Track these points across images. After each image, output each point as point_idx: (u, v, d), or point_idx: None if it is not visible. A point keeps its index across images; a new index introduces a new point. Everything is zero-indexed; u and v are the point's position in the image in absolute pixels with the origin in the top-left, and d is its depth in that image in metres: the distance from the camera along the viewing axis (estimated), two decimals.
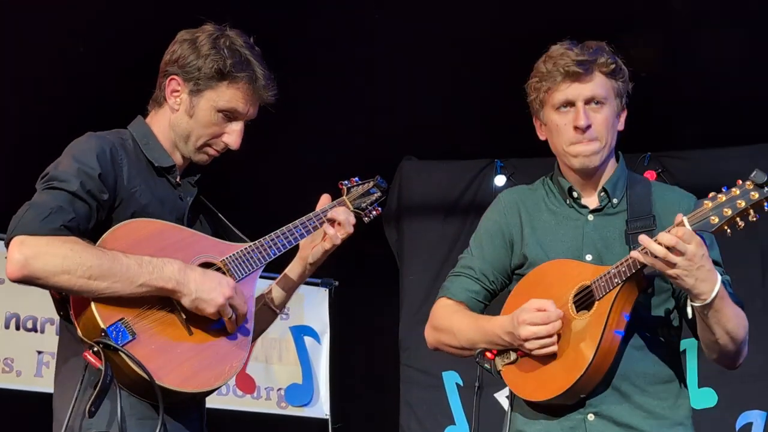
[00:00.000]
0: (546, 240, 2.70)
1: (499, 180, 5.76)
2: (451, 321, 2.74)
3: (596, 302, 2.53)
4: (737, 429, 5.18)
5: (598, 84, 2.65)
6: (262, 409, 5.80)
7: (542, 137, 2.78)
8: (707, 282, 2.41)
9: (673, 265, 2.38)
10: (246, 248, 2.65)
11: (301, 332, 5.99)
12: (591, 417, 2.57)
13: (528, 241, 2.71)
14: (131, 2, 4.64)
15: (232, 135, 2.66)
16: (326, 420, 5.87)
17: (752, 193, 2.35)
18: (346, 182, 2.94)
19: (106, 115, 3.04)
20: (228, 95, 2.63)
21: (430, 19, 4.87)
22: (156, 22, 4.54)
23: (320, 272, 5.93)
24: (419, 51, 5.04)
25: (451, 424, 5.60)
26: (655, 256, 2.38)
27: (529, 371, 2.60)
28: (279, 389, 5.88)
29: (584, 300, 2.56)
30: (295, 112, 5.28)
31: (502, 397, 5.59)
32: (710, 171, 4.95)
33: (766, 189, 2.35)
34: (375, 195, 2.95)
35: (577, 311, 2.56)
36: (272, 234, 2.71)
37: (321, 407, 5.91)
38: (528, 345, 2.55)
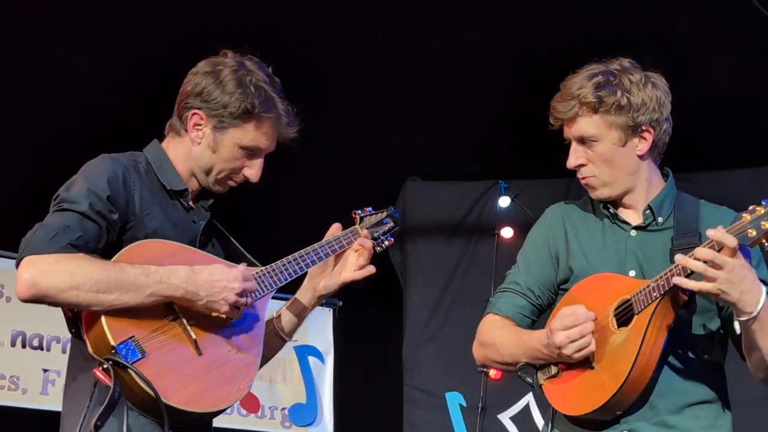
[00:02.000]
0: (591, 253, 2.70)
1: (504, 201, 5.77)
2: (494, 336, 2.73)
3: (635, 316, 2.52)
4: None
5: (584, 124, 2.64)
6: (266, 429, 5.79)
7: None
8: (752, 294, 2.37)
9: (714, 280, 2.36)
10: (258, 272, 2.67)
11: (305, 352, 6.00)
12: None
13: (574, 255, 2.71)
14: (138, 21, 4.68)
15: (253, 169, 2.71)
16: None
17: None
18: (360, 211, 2.99)
19: (116, 137, 3.07)
20: (253, 134, 2.67)
21: (436, 41, 4.90)
22: (167, 41, 4.59)
23: None
24: (424, 72, 5.07)
25: None
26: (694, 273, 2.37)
27: (568, 385, 2.59)
28: (283, 409, 5.87)
29: (624, 314, 2.55)
30: (302, 135, 5.32)
31: (505, 418, 5.59)
32: (713, 193, 4.94)
33: None
34: (388, 225, 2.99)
35: (618, 326, 2.55)
36: (284, 259, 2.74)
37: (325, 427, 5.91)
38: (564, 351, 2.53)
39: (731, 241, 2.34)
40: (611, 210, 2.72)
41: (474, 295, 5.73)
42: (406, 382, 5.76)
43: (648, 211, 2.69)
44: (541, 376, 2.67)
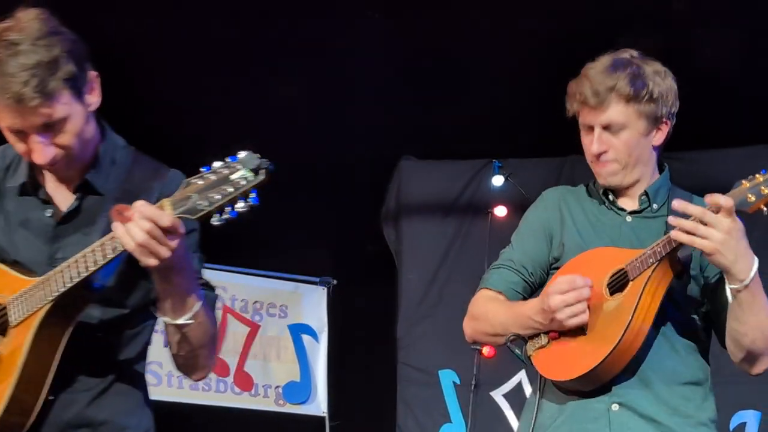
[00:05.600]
0: (585, 234, 2.72)
1: (497, 180, 5.78)
2: (486, 308, 2.75)
3: (630, 282, 2.54)
4: (731, 429, 5.20)
5: (614, 112, 2.66)
6: (260, 407, 5.82)
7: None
8: (746, 259, 2.40)
9: (707, 238, 2.37)
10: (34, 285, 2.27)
11: (299, 330, 6.01)
12: (615, 407, 2.57)
13: (568, 233, 2.74)
14: None
15: (34, 153, 2.26)
16: (324, 418, 5.89)
17: None
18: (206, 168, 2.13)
19: None
20: None
21: (428, 19, 4.88)
22: None
23: (319, 271, 6.04)
24: (419, 52, 5.05)
25: (448, 422, 5.63)
26: (689, 232, 2.38)
27: (559, 353, 2.61)
28: (277, 387, 5.90)
29: (618, 282, 2.57)
30: (294, 111, 5.31)
31: (498, 395, 5.62)
32: (708, 172, 4.97)
33: None
34: (242, 184, 2.07)
35: (611, 294, 2.57)
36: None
37: (318, 405, 5.93)
38: (558, 315, 2.53)
39: (726, 201, 2.36)
40: (610, 197, 2.75)
41: (468, 274, 5.72)
42: (400, 360, 5.78)
43: (644, 197, 2.72)
44: (530, 347, 2.67)
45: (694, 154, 5.17)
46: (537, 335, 2.65)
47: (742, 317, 2.48)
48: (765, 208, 2.39)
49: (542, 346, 2.64)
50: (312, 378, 5.95)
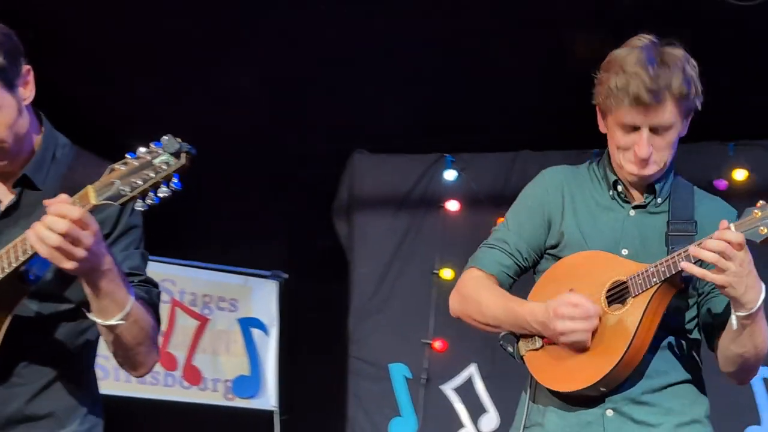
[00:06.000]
0: (586, 225, 2.64)
1: (450, 174, 5.79)
2: (479, 294, 2.67)
3: (631, 299, 2.49)
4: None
5: (667, 112, 2.51)
6: (208, 401, 5.76)
7: (602, 130, 2.66)
8: (754, 289, 2.36)
9: (724, 271, 2.33)
10: None
11: (249, 324, 5.97)
12: (609, 413, 2.55)
13: (568, 223, 2.65)
14: None
15: None
16: (273, 412, 5.86)
17: None
18: (132, 154, 2.12)
19: None
20: None
21: (381, 13, 4.87)
22: None
23: (270, 265, 6.00)
24: (371, 45, 5.04)
25: (398, 416, 5.63)
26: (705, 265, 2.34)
27: (555, 360, 2.57)
28: (226, 381, 5.84)
29: (617, 296, 2.53)
30: (249, 102, 5.27)
31: (448, 389, 5.64)
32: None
33: None
34: (163, 168, 2.06)
35: (609, 306, 2.53)
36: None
37: (268, 399, 5.90)
38: (563, 339, 2.51)
39: (737, 238, 2.32)
40: (619, 187, 2.65)
41: (420, 268, 5.76)
42: (351, 354, 5.77)
43: (650, 191, 2.63)
44: (522, 347, 2.63)
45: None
46: (530, 336, 2.61)
47: (742, 341, 2.47)
48: None
49: (535, 349, 2.61)
50: (262, 372, 5.91)
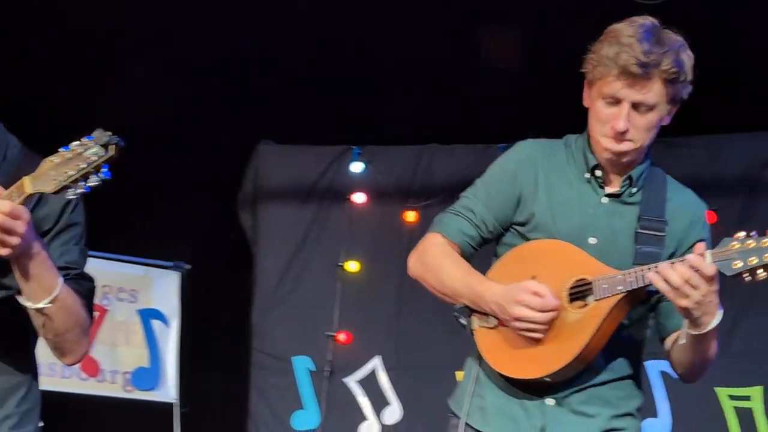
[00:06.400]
0: (557, 208, 2.61)
1: (356, 167, 5.78)
2: (442, 263, 2.65)
3: (594, 300, 2.49)
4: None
5: (652, 91, 2.49)
6: (106, 392, 5.65)
7: (585, 104, 2.63)
8: (711, 315, 2.40)
9: (686, 297, 2.36)
10: None
11: (148, 315, 5.87)
12: (550, 402, 2.58)
13: (539, 203, 2.62)
14: None
15: None
16: (173, 404, 5.79)
17: None
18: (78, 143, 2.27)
19: None
20: None
21: (285, 1, 4.84)
22: None
23: (172, 256, 5.91)
24: (278, 34, 5.00)
25: (301, 409, 5.61)
26: (670, 285, 2.36)
27: (506, 343, 2.57)
28: (125, 372, 5.74)
29: (580, 294, 2.52)
30: (154, 92, 5.18)
31: (351, 382, 5.64)
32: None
33: None
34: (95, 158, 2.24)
35: (570, 302, 2.52)
36: None
37: (168, 391, 5.81)
38: (516, 324, 2.50)
39: (710, 270, 2.34)
40: (597, 172, 2.63)
41: (325, 260, 5.75)
42: (254, 347, 5.73)
43: (627, 180, 2.62)
44: (476, 321, 2.63)
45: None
46: (486, 314, 2.60)
47: (693, 350, 2.52)
48: (746, 277, 2.34)
49: (489, 327, 2.60)
50: (162, 364, 5.83)
